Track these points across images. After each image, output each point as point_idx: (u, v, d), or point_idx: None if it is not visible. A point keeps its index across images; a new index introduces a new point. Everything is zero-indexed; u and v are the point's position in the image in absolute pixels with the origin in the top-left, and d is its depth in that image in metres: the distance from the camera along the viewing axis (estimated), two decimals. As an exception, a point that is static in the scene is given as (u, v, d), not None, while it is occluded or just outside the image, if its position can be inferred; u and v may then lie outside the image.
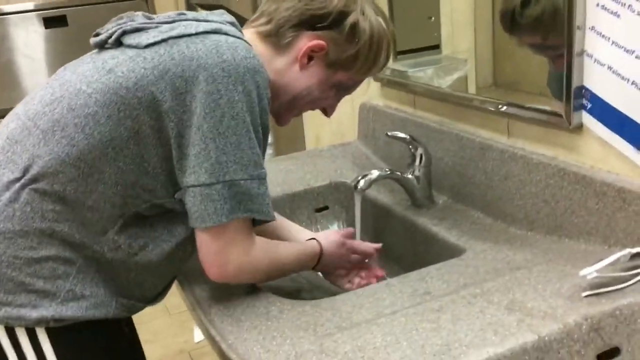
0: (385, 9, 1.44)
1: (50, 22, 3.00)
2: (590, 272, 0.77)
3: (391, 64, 1.44)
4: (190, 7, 2.77)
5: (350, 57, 0.97)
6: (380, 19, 1.00)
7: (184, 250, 0.95)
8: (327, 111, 1.07)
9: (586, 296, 0.79)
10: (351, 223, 1.42)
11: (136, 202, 0.88)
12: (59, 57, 3.06)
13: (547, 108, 1.02)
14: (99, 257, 0.89)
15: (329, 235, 1.11)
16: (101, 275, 0.90)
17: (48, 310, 0.86)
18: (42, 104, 0.88)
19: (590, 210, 0.95)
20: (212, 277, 0.90)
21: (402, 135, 1.26)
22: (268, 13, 0.97)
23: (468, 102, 1.23)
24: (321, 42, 0.95)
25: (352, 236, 1.16)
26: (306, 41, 0.95)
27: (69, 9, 3.02)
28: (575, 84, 0.95)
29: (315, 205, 1.44)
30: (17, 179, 0.85)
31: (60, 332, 0.88)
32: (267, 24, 0.96)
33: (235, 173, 0.84)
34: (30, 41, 3.01)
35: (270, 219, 0.90)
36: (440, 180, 1.28)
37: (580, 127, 0.98)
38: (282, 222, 1.18)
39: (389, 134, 1.26)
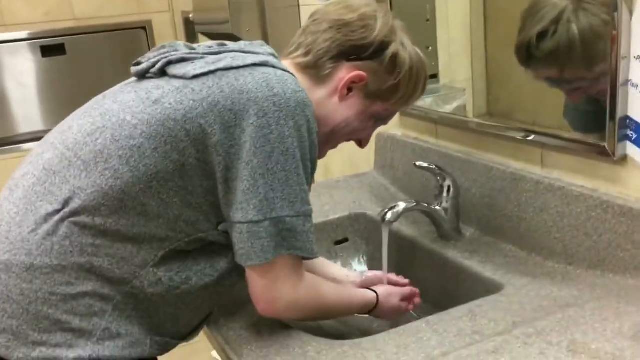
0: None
1: (48, 51, 2.96)
2: (657, 311, 0.73)
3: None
4: (192, 35, 2.74)
5: (390, 88, 0.95)
6: (417, 49, 0.98)
7: (225, 285, 0.91)
8: (362, 142, 1.04)
9: (653, 336, 0.75)
10: (372, 255, 1.38)
11: (179, 235, 0.84)
12: (56, 85, 3.01)
13: (588, 140, 0.99)
14: (138, 292, 0.84)
15: (390, 296, 1.07)
16: (137, 313, 0.85)
17: (85, 350, 0.81)
18: (82, 134, 0.84)
19: (638, 244, 0.92)
20: (261, 312, 0.89)
21: (429, 165, 1.22)
22: (306, 45, 0.94)
23: (496, 132, 1.20)
24: (362, 73, 0.93)
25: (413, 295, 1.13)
26: (346, 72, 0.93)
27: (67, 37, 2.98)
28: (619, 114, 0.93)
29: (334, 237, 1.40)
30: (57, 211, 0.81)
31: None
32: (306, 56, 0.94)
33: (282, 210, 0.82)
34: (26, 70, 2.97)
35: (314, 256, 0.87)
36: (467, 212, 1.25)
37: (624, 159, 0.95)
38: (324, 262, 1.15)
39: (417, 164, 1.23)
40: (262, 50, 0.91)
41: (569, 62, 0.97)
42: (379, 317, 1.07)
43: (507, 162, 1.18)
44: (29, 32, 2.93)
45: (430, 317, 0.93)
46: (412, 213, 1.29)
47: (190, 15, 2.49)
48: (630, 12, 0.89)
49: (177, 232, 0.84)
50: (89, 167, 0.81)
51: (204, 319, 0.97)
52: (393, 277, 1.16)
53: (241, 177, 0.80)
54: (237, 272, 0.90)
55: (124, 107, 0.84)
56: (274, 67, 0.86)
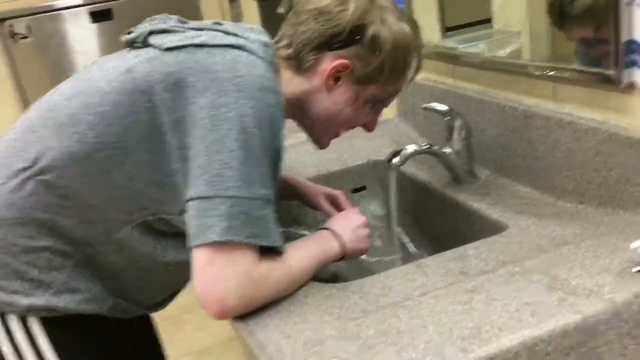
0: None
1: (96, 17, 3.03)
2: (641, 244, 0.68)
3: (440, 41, 1.38)
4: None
5: (375, 69, 0.91)
6: (405, 24, 0.93)
7: (189, 269, 0.92)
8: (368, 126, 1.01)
9: (637, 272, 0.70)
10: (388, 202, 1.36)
11: (144, 212, 0.85)
12: (107, 50, 3.09)
13: (594, 69, 0.92)
14: (101, 256, 0.86)
15: (335, 216, 1.00)
16: (100, 273, 0.88)
17: (40, 299, 0.84)
18: (62, 97, 0.87)
19: (647, 177, 0.86)
20: (211, 313, 0.77)
21: (439, 107, 1.18)
22: (288, 36, 0.92)
23: (510, 68, 1.13)
24: (344, 61, 0.90)
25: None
26: (329, 62, 0.90)
27: (114, 2, 3.05)
28: (623, 38, 0.85)
29: (352, 185, 1.38)
30: (26, 168, 0.84)
31: (54, 322, 0.86)
32: (288, 48, 0.92)
33: (239, 190, 0.76)
34: (79, 36, 3.06)
35: (278, 245, 0.81)
36: (482, 153, 1.20)
37: (631, 87, 0.88)
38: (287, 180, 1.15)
39: (425, 106, 1.19)
40: (252, 36, 0.88)
41: (605, 19, 0.88)
42: (348, 248, 0.94)
43: (521, 99, 1.12)
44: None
45: (422, 260, 0.91)
46: (430, 158, 1.25)
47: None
48: None
49: (143, 207, 0.84)
50: (60, 129, 0.83)
51: (169, 295, 0.99)
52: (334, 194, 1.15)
53: (197, 154, 0.78)
54: None
55: (103, 74, 0.85)
56: (249, 52, 0.83)
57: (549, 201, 1.03)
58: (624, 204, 0.90)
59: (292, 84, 0.91)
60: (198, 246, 0.76)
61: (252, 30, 0.91)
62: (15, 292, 0.84)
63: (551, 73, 1.03)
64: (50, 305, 0.85)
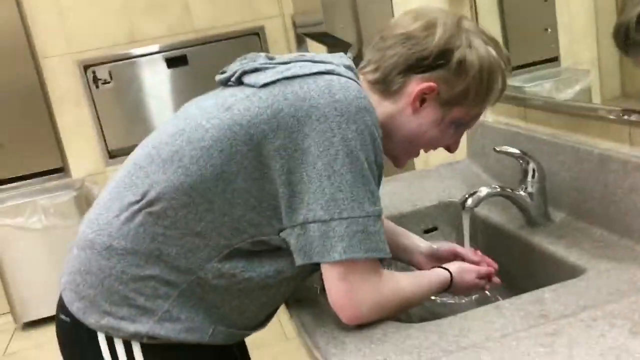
0: (497, 23, 1.41)
1: (172, 62, 3.20)
2: None
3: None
4: (299, 37, 2.85)
5: (461, 92, 0.95)
6: (491, 48, 0.96)
7: (288, 286, 0.96)
8: (451, 148, 1.04)
9: None
10: (461, 243, 1.36)
11: (243, 236, 0.89)
12: (181, 95, 3.25)
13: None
14: (204, 283, 0.91)
15: (464, 272, 1.04)
16: (203, 303, 0.92)
17: (144, 326, 0.90)
18: (166, 135, 0.94)
19: None
20: (345, 320, 0.89)
21: (512, 150, 1.20)
22: (375, 61, 0.97)
23: (584, 112, 1.14)
24: (431, 84, 0.94)
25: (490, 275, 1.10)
26: (415, 85, 0.94)
27: (188, 49, 3.21)
28: None
29: (423, 226, 1.40)
30: (137, 202, 0.90)
31: (154, 349, 0.92)
32: (375, 72, 0.96)
33: (352, 210, 0.84)
34: (155, 81, 3.23)
35: (388, 256, 0.88)
36: (556, 196, 1.20)
37: None
38: (395, 230, 1.17)
39: (498, 149, 1.20)
40: (336, 61, 0.94)
41: None
42: (452, 293, 1.07)
43: (595, 142, 1.13)
44: (158, 45, 3.18)
45: (500, 302, 0.92)
46: (502, 200, 1.26)
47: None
48: None
49: (241, 231, 0.89)
50: (166, 165, 0.89)
51: (270, 313, 1.02)
52: (467, 252, 1.14)
53: (306, 180, 0.84)
54: (301, 276, 0.94)
55: (203, 113, 0.91)
56: (339, 75, 0.89)
57: (627, 245, 1.03)
58: None
59: (379, 107, 0.95)
60: (326, 265, 0.86)
61: (334, 56, 0.97)
62: (122, 318, 0.91)
63: (626, 117, 1.03)
64: (153, 332, 0.90)
